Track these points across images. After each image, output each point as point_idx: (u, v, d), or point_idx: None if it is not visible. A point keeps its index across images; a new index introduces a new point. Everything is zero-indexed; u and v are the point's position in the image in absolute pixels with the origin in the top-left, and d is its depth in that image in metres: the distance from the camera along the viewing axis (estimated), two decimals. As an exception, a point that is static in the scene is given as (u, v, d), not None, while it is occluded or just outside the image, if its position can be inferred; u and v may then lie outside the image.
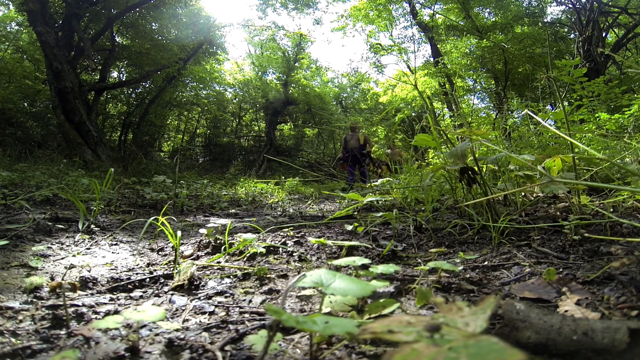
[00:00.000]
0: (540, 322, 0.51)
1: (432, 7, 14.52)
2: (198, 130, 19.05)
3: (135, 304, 0.80)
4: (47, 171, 4.61)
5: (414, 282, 0.90)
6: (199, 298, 0.83)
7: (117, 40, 11.13)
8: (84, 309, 0.72)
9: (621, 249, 0.97)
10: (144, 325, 0.64)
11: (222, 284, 0.95)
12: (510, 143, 2.58)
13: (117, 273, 1.02)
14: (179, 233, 1.14)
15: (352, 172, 7.38)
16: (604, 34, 10.40)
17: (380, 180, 2.62)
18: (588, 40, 9.32)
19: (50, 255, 1.17)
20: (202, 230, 1.39)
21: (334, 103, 20.27)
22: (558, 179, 0.89)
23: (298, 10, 15.80)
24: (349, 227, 1.59)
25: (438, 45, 14.20)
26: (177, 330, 0.64)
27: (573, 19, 11.27)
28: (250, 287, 0.92)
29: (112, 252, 1.29)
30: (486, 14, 14.47)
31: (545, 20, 13.44)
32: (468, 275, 0.94)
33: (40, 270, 1.02)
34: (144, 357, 0.55)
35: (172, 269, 1.05)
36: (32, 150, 6.99)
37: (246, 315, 0.73)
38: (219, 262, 1.15)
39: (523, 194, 1.73)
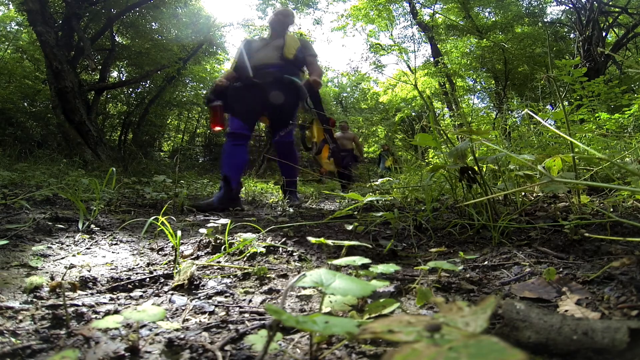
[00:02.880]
0: (540, 322, 0.51)
1: (432, 7, 14.52)
2: (198, 130, 19.05)
3: (135, 303, 0.80)
4: (47, 171, 4.61)
5: (414, 282, 0.90)
6: (199, 298, 0.83)
7: (117, 40, 11.13)
8: (84, 309, 0.72)
9: (621, 248, 0.97)
10: (144, 325, 0.64)
11: (222, 283, 0.94)
12: (510, 143, 2.58)
13: (117, 273, 1.02)
14: (179, 233, 1.14)
15: (243, 151, 2.73)
16: (604, 34, 10.40)
17: (380, 180, 2.61)
18: (588, 40, 9.32)
19: (50, 255, 1.17)
20: (202, 230, 1.39)
21: (334, 103, 20.27)
22: (558, 179, 0.89)
23: (298, 10, 15.79)
24: (349, 227, 1.59)
25: (438, 45, 14.19)
26: (177, 330, 0.64)
27: (573, 19, 11.26)
28: (250, 287, 0.92)
29: (112, 252, 1.29)
30: (486, 14, 14.47)
31: (545, 20, 13.44)
32: (468, 275, 0.94)
33: (40, 270, 1.02)
34: (144, 357, 0.55)
35: (172, 268, 1.05)
36: (32, 150, 6.99)
37: (246, 315, 0.73)
38: (219, 262, 1.14)
39: (523, 193, 1.73)
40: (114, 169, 1.97)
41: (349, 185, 3.73)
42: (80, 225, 1.58)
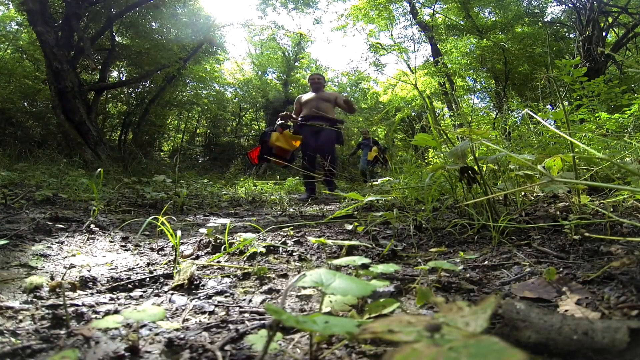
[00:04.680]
0: (540, 322, 0.51)
1: (432, 7, 14.51)
2: (198, 130, 19.05)
3: (135, 303, 0.80)
4: (47, 171, 4.61)
5: (414, 282, 0.90)
6: (198, 298, 0.83)
7: (117, 39, 11.13)
8: (84, 309, 0.72)
9: (621, 248, 0.97)
10: (144, 325, 0.64)
11: (222, 283, 0.94)
12: (510, 143, 2.58)
13: (117, 272, 1.02)
14: (178, 232, 1.14)
15: None
16: (604, 34, 10.39)
17: (380, 180, 2.60)
18: (588, 40, 9.32)
19: (50, 255, 1.17)
20: (202, 230, 1.39)
21: (334, 103, 20.20)
22: (558, 179, 0.89)
23: (298, 9, 15.80)
24: (349, 227, 1.59)
25: (438, 45, 14.19)
26: (177, 329, 0.64)
27: (573, 19, 11.26)
28: (250, 287, 0.92)
29: (112, 252, 1.29)
30: (486, 14, 14.47)
31: (545, 20, 13.43)
32: (468, 275, 0.94)
33: (40, 269, 1.02)
34: (144, 357, 0.55)
35: (172, 268, 1.05)
36: (32, 150, 6.99)
37: (246, 314, 0.73)
38: (218, 262, 1.14)
39: (523, 193, 1.72)
40: (102, 169, 1.94)
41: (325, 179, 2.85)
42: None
